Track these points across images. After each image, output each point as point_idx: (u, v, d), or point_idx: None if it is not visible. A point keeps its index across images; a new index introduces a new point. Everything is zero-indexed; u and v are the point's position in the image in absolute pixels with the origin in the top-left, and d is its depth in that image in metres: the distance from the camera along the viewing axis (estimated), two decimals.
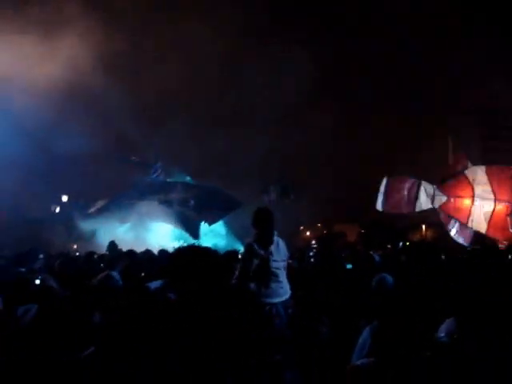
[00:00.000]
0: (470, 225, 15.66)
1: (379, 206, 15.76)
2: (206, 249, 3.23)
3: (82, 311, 3.99)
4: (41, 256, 10.01)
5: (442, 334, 2.99)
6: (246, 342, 3.10)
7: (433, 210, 15.99)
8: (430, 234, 49.92)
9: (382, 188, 15.76)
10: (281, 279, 5.64)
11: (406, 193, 15.99)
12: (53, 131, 21.05)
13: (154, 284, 4.08)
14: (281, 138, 31.67)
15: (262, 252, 5.59)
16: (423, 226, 49.59)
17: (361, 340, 3.14)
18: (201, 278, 2.80)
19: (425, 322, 2.94)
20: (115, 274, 4.77)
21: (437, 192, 15.95)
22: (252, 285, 5.47)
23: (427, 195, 15.94)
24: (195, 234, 22.02)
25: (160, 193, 23.28)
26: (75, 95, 22.26)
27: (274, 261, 5.65)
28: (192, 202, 22.58)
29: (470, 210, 15.61)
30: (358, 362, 2.80)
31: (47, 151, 22.80)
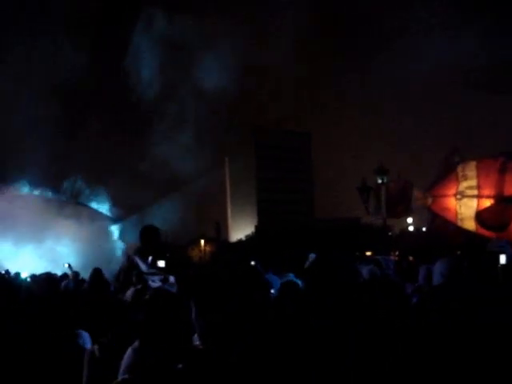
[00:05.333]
0: (459, 224, 15.78)
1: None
2: None
3: None
4: None
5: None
6: None
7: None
8: (208, 248, 50.46)
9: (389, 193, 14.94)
10: None
11: (400, 197, 15.47)
12: None
13: None
14: None
15: None
16: (202, 241, 49.87)
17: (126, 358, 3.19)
18: None
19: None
20: None
21: (426, 194, 15.88)
22: None
23: (417, 198, 15.74)
24: None
25: None
26: None
27: None
28: None
29: (455, 209, 15.77)
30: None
31: None
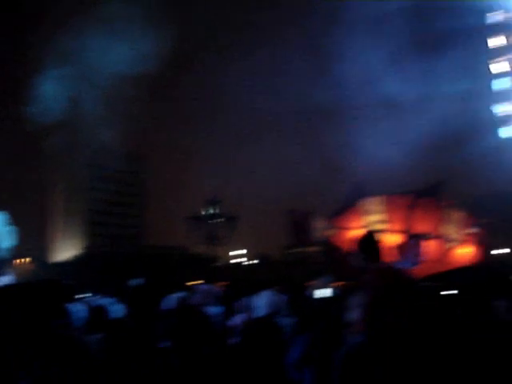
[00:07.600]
0: None
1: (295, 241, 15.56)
2: None
3: None
4: None
5: None
6: None
7: None
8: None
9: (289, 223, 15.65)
10: None
11: (304, 225, 16.10)
12: None
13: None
14: None
15: None
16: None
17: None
18: None
19: None
20: None
21: (327, 225, 16.66)
22: None
23: (317, 228, 16.47)
24: None
25: None
26: None
27: None
28: None
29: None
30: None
31: None
